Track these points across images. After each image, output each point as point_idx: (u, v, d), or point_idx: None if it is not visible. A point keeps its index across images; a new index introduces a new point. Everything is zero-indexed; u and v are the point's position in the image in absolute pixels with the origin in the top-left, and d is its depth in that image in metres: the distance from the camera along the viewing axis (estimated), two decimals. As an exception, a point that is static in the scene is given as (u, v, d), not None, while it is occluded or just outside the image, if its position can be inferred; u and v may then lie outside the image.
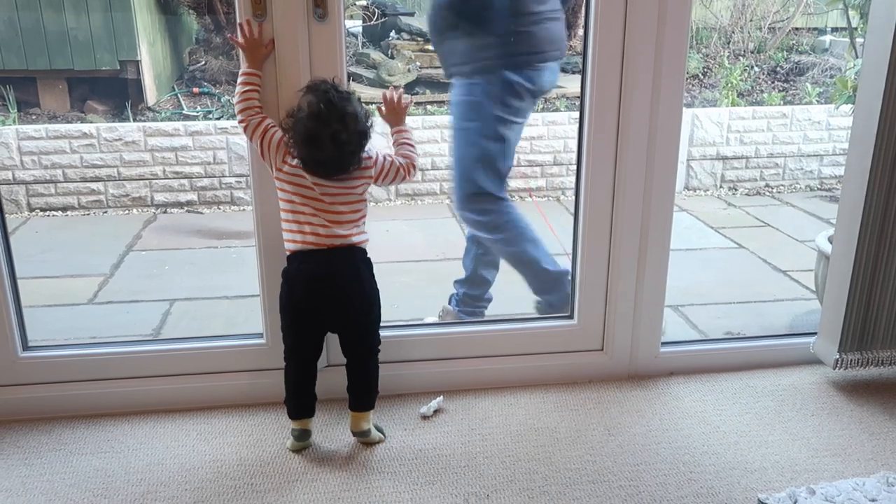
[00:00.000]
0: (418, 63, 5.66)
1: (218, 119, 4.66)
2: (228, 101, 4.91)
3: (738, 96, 5.22)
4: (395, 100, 1.87)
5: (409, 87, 5.51)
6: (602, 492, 1.68)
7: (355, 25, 5.78)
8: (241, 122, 1.74)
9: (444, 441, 1.87)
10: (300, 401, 1.81)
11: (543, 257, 2.37)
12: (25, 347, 1.96)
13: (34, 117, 4.63)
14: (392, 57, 5.64)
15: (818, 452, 1.83)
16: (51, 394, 1.95)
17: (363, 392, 1.82)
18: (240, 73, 1.76)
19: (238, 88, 1.75)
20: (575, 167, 2.08)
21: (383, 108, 1.88)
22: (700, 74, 5.69)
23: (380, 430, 1.88)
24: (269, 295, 1.93)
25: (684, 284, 3.06)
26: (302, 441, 1.81)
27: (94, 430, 1.90)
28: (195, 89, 5.08)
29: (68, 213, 4.29)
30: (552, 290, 2.36)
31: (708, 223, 4.11)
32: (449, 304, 2.58)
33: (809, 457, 1.81)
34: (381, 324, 1.83)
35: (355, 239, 1.73)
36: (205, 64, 5.35)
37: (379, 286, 1.81)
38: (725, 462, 1.78)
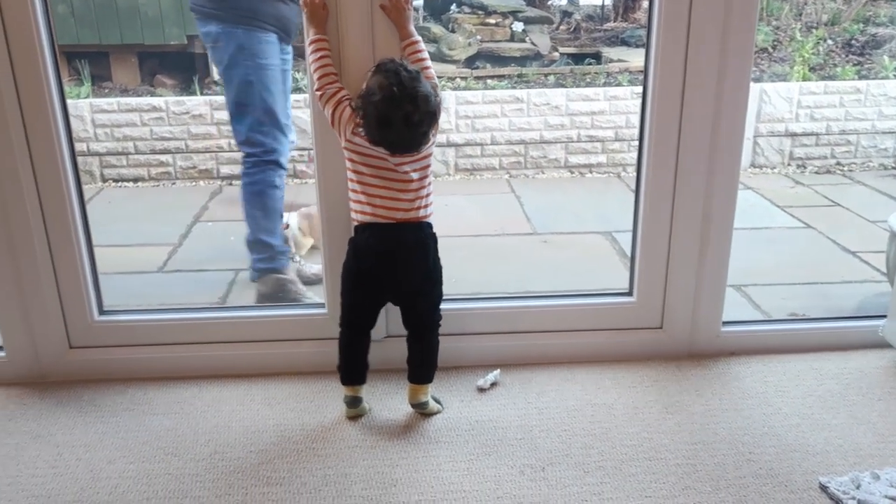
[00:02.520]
0: (479, 37, 5.63)
1: (281, 93, 4.73)
2: (293, 74, 4.97)
3: (809, 70, 5.03)
4: None
5: (470, 62, 5.49)
6: (658, 469, 1.68)
7: (417, -1, 5.77)
8: (317, 89, 1.76)
9: (500, 414, 1.89)
10: (352, 368, 1.85)
11: None
12: (101, 312, 2.05)
13: (106, 91, 4.79)
14: (452, 31, 5.62)
15: (884, 437, 1.78)
16: (124, 356, 2.04)
17: (422, 365, 1.86)
18: (308, 41, 1.77)
19: (311, 57, 1.76)
20: (637, 143, 2.05)
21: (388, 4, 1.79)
22: (769, 48, 5.51)
23: (437, 401, 1.91)
24: (332, 267, 1.96)
25: (747, 264, 2.99)
26: (353, 407, 1.86)
27: (165, 392, 1.98)
28: (260, 63, 5.16)
29: (139, 183, 4.44)
30: None
31: (774, 202, 4.00)
32: None
33: (874, 441, 1.77)
34: (445, 296, 1.86)
35: (423, 213, 1.75)
36: (268, 38, 5.42)
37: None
38: (786, 444, 1.76)
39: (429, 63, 1.77)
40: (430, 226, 1.79)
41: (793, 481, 1.64)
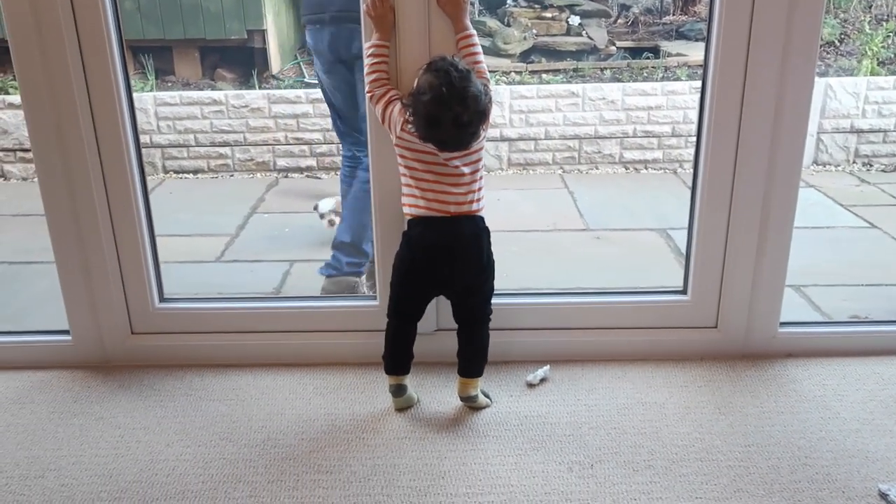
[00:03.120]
0: (535, 31, 5.59)
1: (337, 87, 4.78)
2: (347, 69, 5.03)
3: (878, 65, 4.86)
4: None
5: (525, 56, 5.46)
6: (710, 470, 1.65)
7: (472, -7, 5.76)
8: (368, 91, 1.79)
9: (549, 409, 1.88)
10: (397, 358, 1.87)
11: None
12: (161, 299, 2.12)
13: (169, 84, 4.92)
14: (508, 24, 5.60)
15: (949, 446, 1.72)
16: (182, 343, 2.10)
17: (473, 359, 1.86)
18: (368, 45, 1.80)
19: (367, 60, 1.79)
20: (695, 139, 2.02)
21: None
22: (836, 41, 5.34)
23: (486, 395, 1.92)
24: (383, 260, 1.99)
25: (808, 264, 2.92)
26: (398, 396, 1.87)
27: (220, 378, 2.04)
28: (316, 58, 5.23)
29: (198, 175, 4.55)
30: None
31: (837, 200, 3.88)
32: None
33: (939, 450, 1.71)
34: (496, 290, 1.86)
35: (476, 206, 1.76)
36: (326, 33, 5.49)
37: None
38: (844, 449, 1.71)
39: (481, 58, 1.77)
40: (482, 219, 1.80)
41: (850, 487, 1.59)
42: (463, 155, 1.72)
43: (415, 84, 1.69)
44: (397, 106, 1.74)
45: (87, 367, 2.09)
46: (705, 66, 1.91)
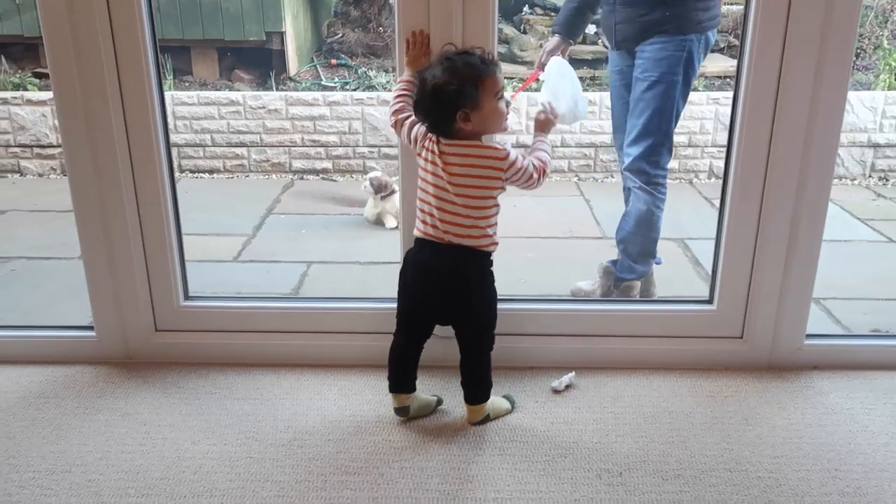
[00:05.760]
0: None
1: (354, 90, 4.80)
2: (365, 72, 5.05)
3: (895, 79, 4.85)
4: (548, 114, 1.89)
5: (541, 63, 5.45)
6: (739, 481, 1.64)
7: None
8: (392, 123, 1.82)
9: (575, 416, 1.88)
10: (397, 376, 1.84)
11: None
12: (186, 297, 2.12)
13: (187, 84, 4.93)
14: (524, 32, 5.61)
15: (979, 462, 1.71)
16: (206, 341, 2.09)
17: (473, 387, 1.83)
18: (399, 79, 1.83)
19: (394, 94, 1.82)
20: (719, 149, 2.01)
21: (541, 117, 1.88)
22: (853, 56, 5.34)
23: (510, 399, 1.91)
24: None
25: (827, 277, 2.87)
26: (400, 415, 1.85)
27: (244, 377, 2.03)
28: (333, 61, 5.25)
29: (214, 175, 4.56)
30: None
31: (855, 214, 3.88)
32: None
33: (969, 466, 1.70)
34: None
35: (472, 242, 1.70)
36: (342, 36, 5.51)
37: (500, 272, 1.77)
38: (874, 463, 1.70)
39: (548, 152, 1.80)
40: (481, 255, 1.73)
41: (882, 501, 1.59)
42: (474, 187, 1.68)
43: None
44: (421, 128, 1.74)
45: (110, 363, 2.09)
46: (738, 77, 1.91)
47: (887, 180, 4.48)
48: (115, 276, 2.02)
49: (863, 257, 3.35)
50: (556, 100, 2.39)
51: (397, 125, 1.80)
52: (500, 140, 1.83)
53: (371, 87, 4.84)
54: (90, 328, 2.10)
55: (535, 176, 1.73)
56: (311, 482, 1.63)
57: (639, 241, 2.53)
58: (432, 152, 1.69)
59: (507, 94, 1.92)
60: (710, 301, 2.10)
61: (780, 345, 2.07)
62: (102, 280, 2.03)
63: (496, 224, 1.74)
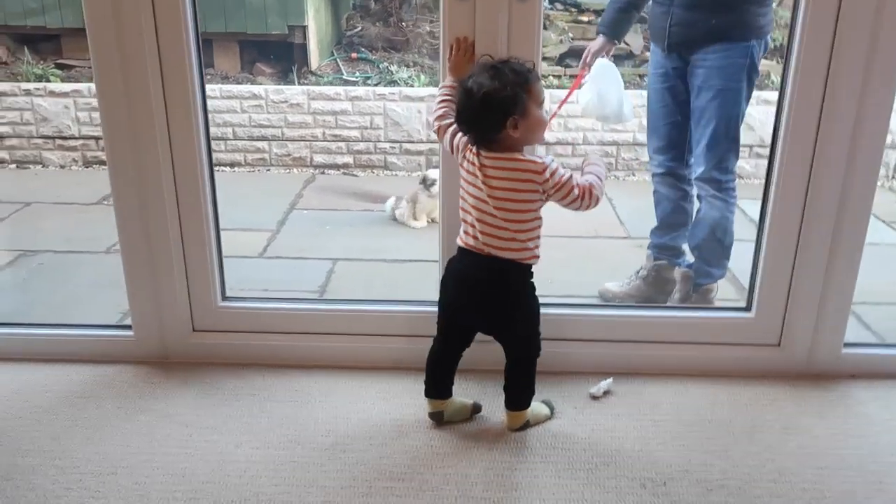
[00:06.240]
0: (571, 35, 5.56)
1: (376, 85, 4.78)
2: (387, 67, 5.03)
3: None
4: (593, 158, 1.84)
5: (561, 60, 5.44)
6: (784, 492, 1.64)
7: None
8: (435, 130, 1.81)
9: (615, 424, 1.88)
10: (434, 381, 1.85)
11: None
12: (224, 297, 2.12)
13: (208, 77, 4.92)
14: (544, 27, 5.58)
15: None
16: (243, 342, 2.10)
17: (514, 394, 1.83)
18: (441, 85, 1.83)
19: (436, 102, 1.82)
20: (744, 148, 2.00)
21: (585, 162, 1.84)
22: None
23: (550, 405, 1.91)
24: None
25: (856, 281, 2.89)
26: (434, 420, 1.86)
27: (282, 379, 2.04)
28: (353, 55, 5.23)
29: (235, 168, 4.56)
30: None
31: (879, 217, 3.85)
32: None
33: None
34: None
35: (512, 255, 1.69)
36: (361, 30, 5.49)
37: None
38: (919, 475, 1.70)
39: (600, 176, 1.75)
40: (521, 268, 1.73)
41: (929, 515, 1.59)
42: (513, 201, 1.66)
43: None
44: (463, 138, 1.73)
45: (148, 362, 2.09)
46: (783, 78, 1.90)
47: (911, 182, 4.44)
48: (154, 275, 2.03)
49: (890, 261, 3.33)
50: (601, 101, 2.37)
51: (440, 131, 1.79)
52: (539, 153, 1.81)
53: (393, 83, 4.83)
54: (128, 327, 2.11)
55: (577, 193, 1.66)
56: (356, 488, 1.64)
57: (715, 247, 2.48)
58: (473, 164, 1.68)
59: (553, 105, 1.91)
60: (748, 308, 2.09)
61: (818, 353, 2.06)
62: (141, 279, 2.03)
63: (538, 238, 1.72)
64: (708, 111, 2.33)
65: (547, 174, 1.64)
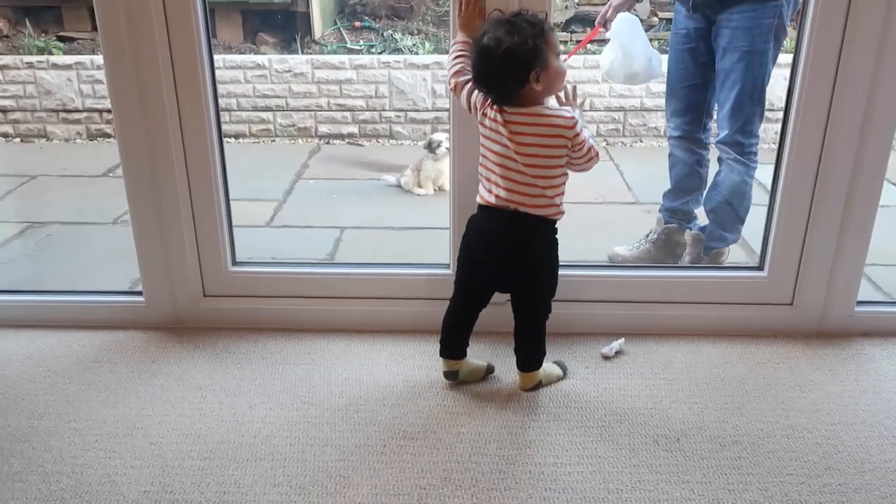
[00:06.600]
0: (576, 0, 5.50)
1: (380, 54, 4.74)
2: (391, 35, 4.98)
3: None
4: (570, 94, 1.75)
5: (566, 25, 5.37)
6: (798, 447, 1.65)
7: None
8: (450, 86, 1.77)
9: (627, 383, 1.88)
10: (450, 342, 1.85)
11: None
12: (234, 262, 2.12)
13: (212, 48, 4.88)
14: (550, -7, 5.50)
15: None
16: (255, 307, 2.10)
17: (526, 354, 1.83)
18: (453, 42, 1.78)
19: (452, 55, 1.77)
20: (781, 113, 1.97)
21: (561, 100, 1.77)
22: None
23: (562, 365, 1.91)
24: (458, 228, 1.96)
25: (868, 243, 2.88)
26: (449, 379, 1.86)
27: (294, 342, 2.04)
28: (356, 23, 5.17)
29: (240, 140, 4.53)
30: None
31: (889, 179, 3.81)
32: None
33: None
34: (565, 262, 1.82)
35: (539, 212, 1.68)
36: (364, -2, 5.43)
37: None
38: (932, 430, 1.70)
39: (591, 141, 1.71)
40: (548, 224, 1.72)
41: (943, 468, 1.59)
42: (541, 156, 1.64)
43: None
44: (480, 94, 1.69)
45: (159, 328, 2.10)
46: (798, 38, 1.87)
47: (921, 145, 4.40)
48: (164, 241, 2.02)
49: (901, 223, 3.31)
50: (628, 58, 2.28)
51: (457, 88, 1.75)
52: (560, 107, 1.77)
53: (397, 51, 4.78)
54: (139, 293, 2.11)
55: (592, 154, 1.67)
56: (371, 446, 1.65)
57: (731, 211, 2.45)
58: (495, 121, 1.65)
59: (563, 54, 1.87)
60: (760, 268, 2.08)
61: (831, 311, 2.05)
62: (151, 245, 2.03)
63: (563, 193, 1.71)
64: (734, 73, 2.27)
65: (578, 128, 1.63)
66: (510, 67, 1.57)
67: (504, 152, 1.66)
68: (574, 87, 1.75)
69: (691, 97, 2.45)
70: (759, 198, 2.39)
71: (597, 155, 1.69)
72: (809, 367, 1.94)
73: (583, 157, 1.67)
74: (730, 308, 2.08)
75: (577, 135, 1.63)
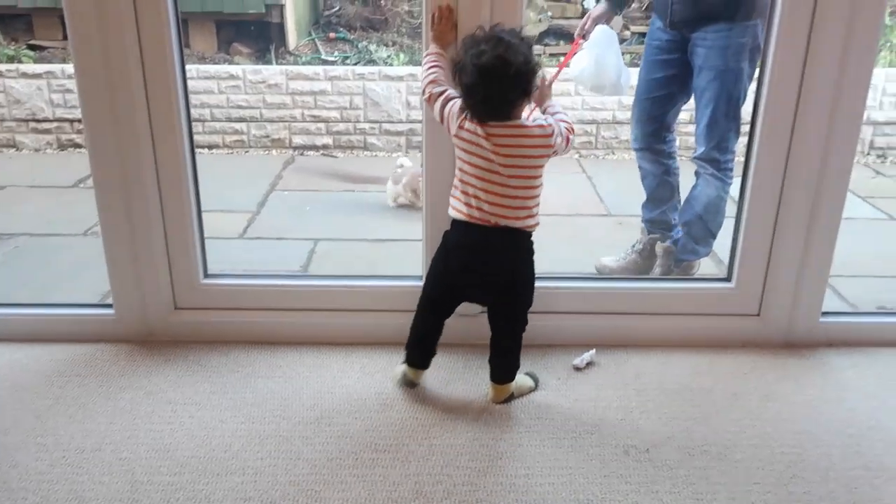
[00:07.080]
0: (549, 13, 5.56)
1: (355, 65, 4.75)
2: (365, 46, 4.99)
3: None
4: (544, 88, 1.79)
5: (540, 39, 5.43)
6: (764, 456, 1.67)
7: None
8: (424, 95, 1.77)
9: (598, 393, 1.89)
10: (416, 350, 1.87)
11: None
12: (206, 275, 2.11)
13: (185, 58, 4.85)
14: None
15: None
16: (226, 319, 2.09)
17: (501, 366, 1.84)
18: (427, 53, 1.80)
19: (424, 66, 1.78)
20: (748, 124, 2.01)
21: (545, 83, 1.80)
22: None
23: (533, 377, 1.92)
24: (430, 240, 1.98)
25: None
26: (408, 387, 1.89)
27: (266, 355, 2.03)
28: (331, 34, 5.18)
29: (213, 150, 4.51)
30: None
31: (855, 192, 3.90)
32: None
33: None
34: (543, 273, 1.84)
35: (519, 224, 1.70)
36: (339, 9, 5.44)
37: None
38: (895, 438, 1.74)
39: (562, 117, 1.74)
40: (526, 235, 1.75)
41: (905, 476, 1.62)
42: (522, 167, 1.67)
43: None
44: (457, 104, 1.70)
45: (129, 341, 2.08)
46: (765, 52, 1.91)
47: (885, 158, 4.51)
48: (134, 253, 2.01)
49: (867, 235, 3.38)
50: (599, 68, 2.31)
51: (431, 99, 1.75)
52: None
53: (372, 62, 4.80)
54: (109, 306, 2.09)
55: (570, 138, 1.73)
56: (343, 460, 1.64)
57: (704, 225, 2.50)
58: (475, 133, 1.65)
59: (551, 70, 1.89)
60: (727, 279, 2.12)
61: (797, 322, 2.09)
62: (122, 257, 2.01)
63: (539, 203, 1.74)
64: (708, 91, 2.31)
65: (555, 135, 1.67)
66: (518, 87, 1.60)
67: (487, 166, 1.67)
68: (543, 79, 1.77)
69: (654, 108, 2.49)
70: (731, 210, 2.43)
71: (572, 131, 1.74)
72: (775, 377, 1.97)
73: (566, 147, 1.72)
74: (699, 319, 2.11)
75: (557, 137, 1.67)
